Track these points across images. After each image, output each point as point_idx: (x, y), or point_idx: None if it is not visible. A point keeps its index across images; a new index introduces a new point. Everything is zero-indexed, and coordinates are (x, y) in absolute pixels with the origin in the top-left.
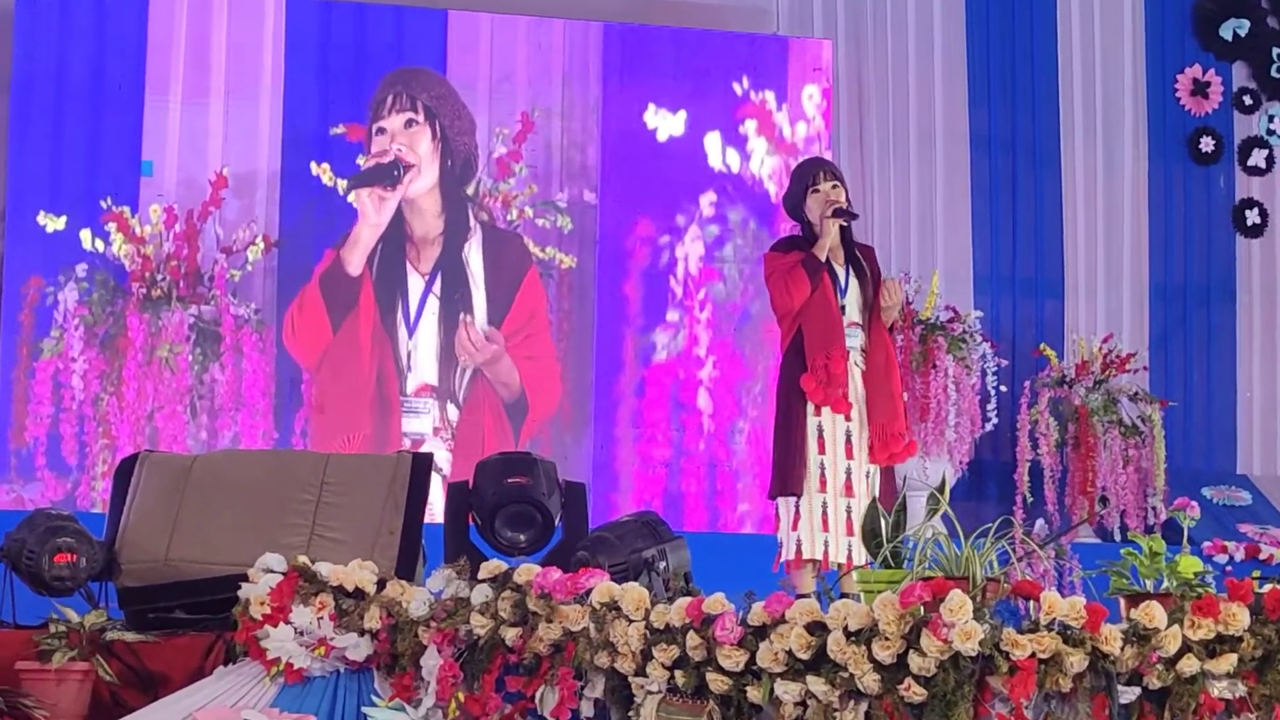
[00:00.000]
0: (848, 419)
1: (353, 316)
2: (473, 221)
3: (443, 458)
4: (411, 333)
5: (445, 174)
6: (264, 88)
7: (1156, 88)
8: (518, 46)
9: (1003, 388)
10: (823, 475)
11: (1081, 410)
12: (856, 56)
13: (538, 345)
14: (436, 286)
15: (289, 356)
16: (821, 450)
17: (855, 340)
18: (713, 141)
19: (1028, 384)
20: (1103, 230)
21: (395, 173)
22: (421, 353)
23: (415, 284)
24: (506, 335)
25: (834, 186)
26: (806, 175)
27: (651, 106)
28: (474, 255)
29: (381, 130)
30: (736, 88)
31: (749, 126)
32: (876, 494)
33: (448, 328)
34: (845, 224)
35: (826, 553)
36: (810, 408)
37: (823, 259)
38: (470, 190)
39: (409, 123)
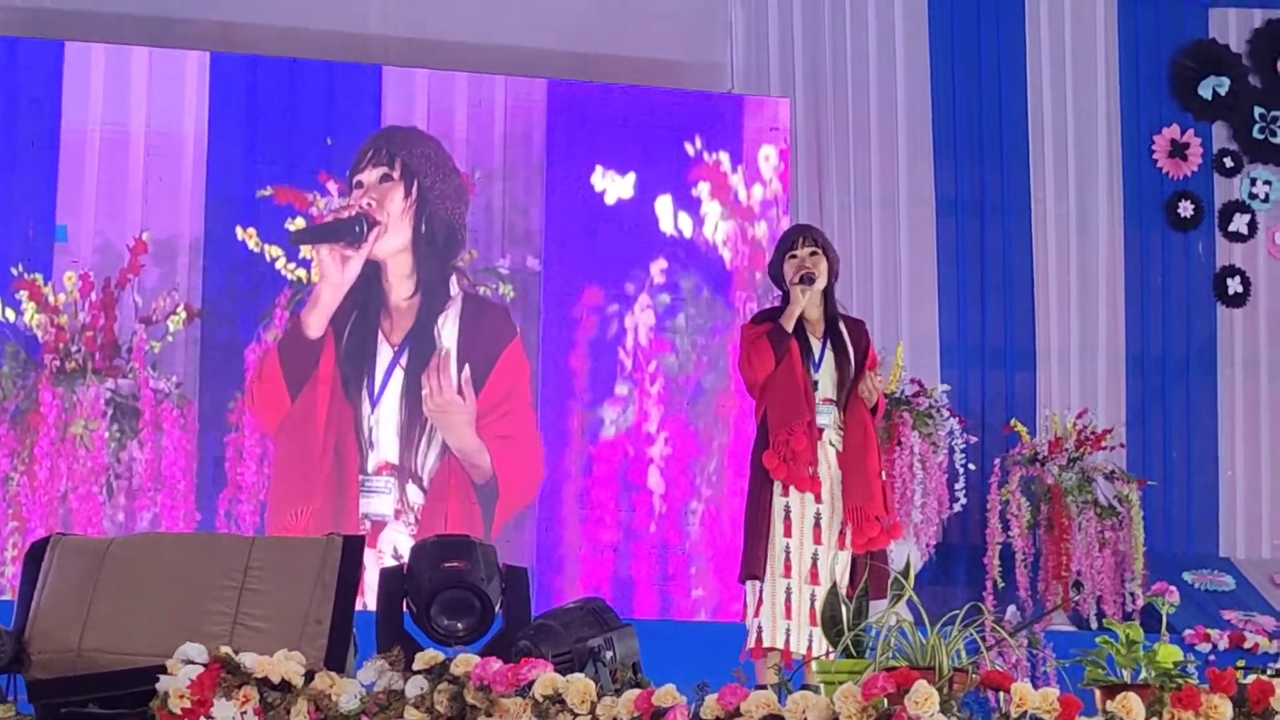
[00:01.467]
0: (818, 500)
1: (311, 384)
2: (455, 289)
3: (403, 542)
4: (374, 406)
5: (419, 236)
6: (186, 147)
7: (1132, 148)
8: (456, 104)
9: (971, 466)
10: (787, 559)
11: (1055, 490)
12: (815, 115)
13: (516, 424)
14: (404, 359)
15: (211, 433)
16: (788, 533)
17: (828, 418)
18: (664, 205)
19: (998, 462)
20: (1076, 298)
21: (357, 229)
22: (384, 428)
23: (384, 354)
24: (480, 413)
25: (812, 253)
26: (787, 241)
27: (599, 168)
28: (448, 326)
29: (358, 184)
30: (689, 148)
31: (702, 189)
32: (835, 581)
33: (412, 403)
34: (826, 292)
35: (788, 642)
36: (778, 487)
37: (789, 328)
38: (456, 260)
39: (384, 177)
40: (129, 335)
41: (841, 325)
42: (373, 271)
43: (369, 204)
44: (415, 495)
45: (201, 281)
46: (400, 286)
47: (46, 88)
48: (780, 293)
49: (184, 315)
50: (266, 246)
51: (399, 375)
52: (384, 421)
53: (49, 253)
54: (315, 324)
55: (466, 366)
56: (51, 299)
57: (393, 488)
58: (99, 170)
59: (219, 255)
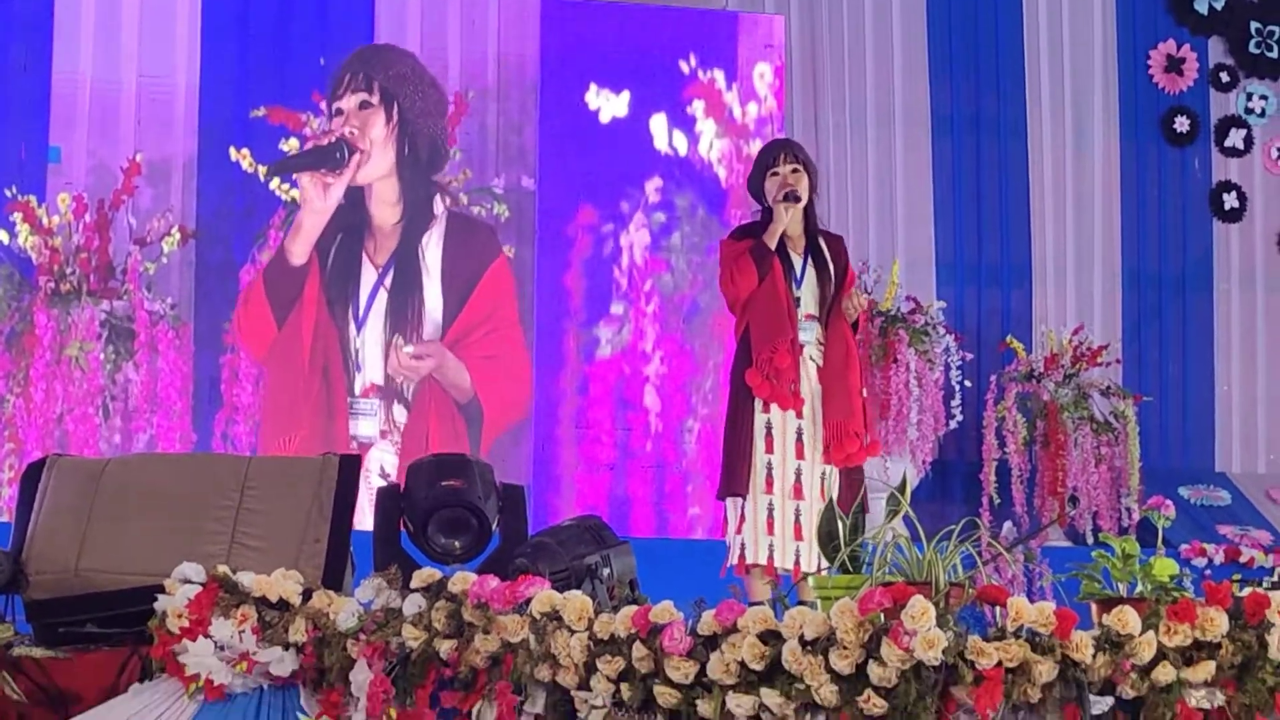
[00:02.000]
0: (799, 416)
1: (297, 310)
2: (439, 209)
3: (390, 462)
4: (360, 328)
5: (403, 158)
6: (179, 69)
7: (1128, 65)
8: (449, 24)
9: (967, 383)
10: (769, 475)
11: (1051, 406)
12: (811, 33)
13: (499, 343)
14: (388, 280)
15: (207, 354)
16: (770, 449)
17: (810, 334)
18: (659, 123)
19: (994, 379)
20: (1072, 215)
21: (338, 155)
22: (369, 351)
23: (368, 276)
24: (460, 333)
25: (794, 170)
26: (768, 157)
27: (593, 86)
28: (432, 246)
29: (339, 111)
30: (683, 66)
31: (697, 107)
32: (834, 496)
33: (396, 324)
34: (806, 208)
35: (771, 558)
36: (759, 404)
37: (772, 246)
38: (438, 176)
39: (363, 104)
40: (123, 257)
41: (821, 241)
42: (357, 196)
43: (350, 132)
44: (401, 415)
45: (196, 203)
46: (386, 211)
47: (38, 9)
48: (760, 208)
49: (178, 236)
50: (260, 167)
51: (383, 296)
52: (369, 343)
53: (42, 174)
54: (299, 251)
55: (441, 299)
56: (45, 221)
57: (378, 409)
58: (91, 91)
59: (213, 176)
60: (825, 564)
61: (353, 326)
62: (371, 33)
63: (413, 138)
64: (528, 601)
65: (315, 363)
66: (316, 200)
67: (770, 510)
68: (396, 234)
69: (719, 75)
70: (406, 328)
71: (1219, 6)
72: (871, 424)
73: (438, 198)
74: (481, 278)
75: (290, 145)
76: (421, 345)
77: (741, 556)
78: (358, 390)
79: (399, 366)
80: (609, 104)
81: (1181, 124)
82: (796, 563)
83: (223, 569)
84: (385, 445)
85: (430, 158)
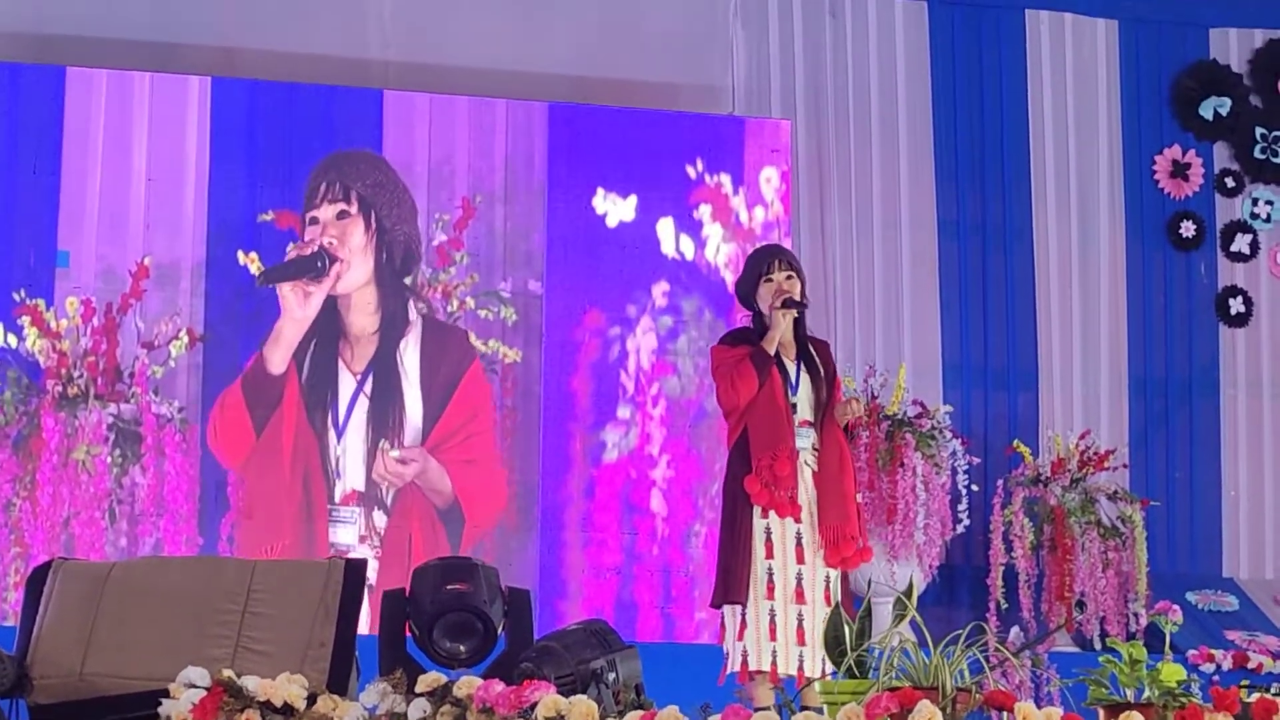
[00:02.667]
0: (797, 521)
1: (276, 418)
2: (412, 314)
3: (371, 566)
4: (340, 436)
5: (381, 267)
6: (188, 172)
7: (1134, 169)
8: (458, 128)
9: (974, 487)
10: (770, 581)
11: (1058, 511)
12: (817, 137)
13: (478, 447)
14: (368, 386)
15: (213, 457)
16: (769, 555)
17: (806, 440)
18: (665, 228)
19: (1001, 483)
20: (1078, 319)
21: (319, 264)
22: (350, 458)
23: (346, 384)
24: (441, 438)
25: (788, 277)
26: (760, 263)
27: (600, 191)
28: (410, 351)
29: (314, 220)
30: (690, 170)
31: (704, 211)
32: (838, 599)
33: (377, 431)
34: (797, 316)
35: (775, 664)
36: (757, 510)
37: (771, 353)
38: (409, 281)
39: (341, 214)
40: (131, 360)
41: (810, 346)
42: (330, 304)
43: (330, 241)
44: (380, 520)
45: (204, 306)
46: (365, 320)
47: (48, 113)
48: (750, 313)
49: (186, 340)
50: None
51: (363, 403)
52: (350, 450)
53: (51, 278)
54: (278, 360)
55: (421, 404)
56: (53, 324)
57: (358, 516)
58: (100, 195)
59: (221, 280)
60: (830, 669)
61: (333, 434)
62: (380, 135)
63: (389, 245)
64: (533, 706)
65: (296, 470)
66: (296, 309)
67: (772, 616)
68: (374, 341)
69: (725, 179)
70: (389, 434)
71: (1224, 112)
72: (864, 529)
73: (411, 304)
74: (460, 382)
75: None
76: (406, 450)
77: (744, 663)
78: (338, 497)
79: (385, 472)
80: (616, 208)
81: (1187, 229)
82: (800, 668)
83: (227, 673)
84: (364, 550)
85: (403, 263)
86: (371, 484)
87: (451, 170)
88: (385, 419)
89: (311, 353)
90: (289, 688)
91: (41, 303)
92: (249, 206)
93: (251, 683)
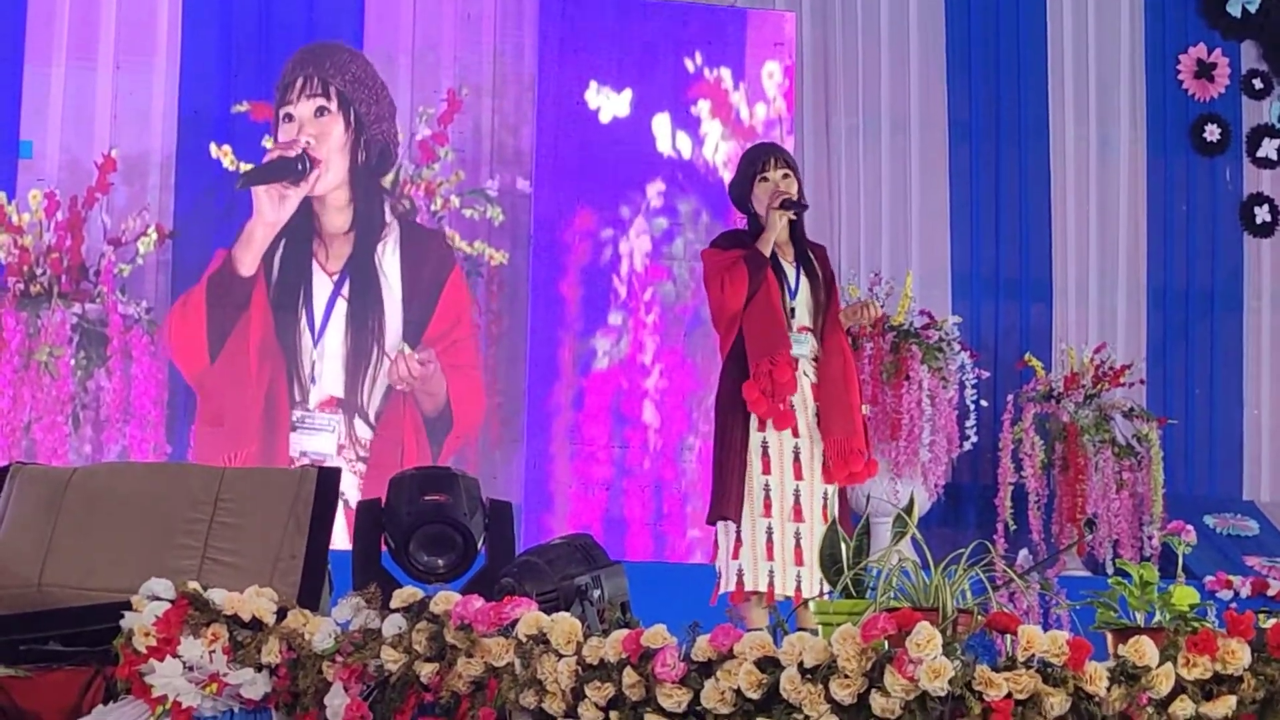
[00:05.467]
0: (795, 434)
1: (243, 322)
2: (389, 216)
3: (349, 480)
4: (317, 340)
5: (357, 166)
6: (159, 60)
7: (1156, 69)
8: (443, 16)
9: (983, 402)
10: (767, 497)
11: (1070, 428)
12: (823, 31)
13: (462, 353)
14: (345, 289)
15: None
16: (766, 470)
17: (805, 348)
18: (661, 124)
19: (1011, 398)
20: (1095, 227)
21: (300, 167)
22: (328, 362)
23: (322, 286)
24: (428, 343)
25: (785, 176)
26: (755, 162)
27: (593, 84)
28: (389, 254)
29: (289, 117)
30: (689, 64)
31: (702, 108)
32: (836, 516)
33: (356, 335)
34: (795, 217)
35: (771, 584)
36: (754, 423)
37: (767, 255)
38: (387, 182)
39: (320, 110)
40: (97, 257)
41: (808, 249)
42: (306, 204)
43: (308, 141)
44: (363, 430)
45: (174, 201)
46: (337, 218)
47: None
48: (745, 215)
49: (155, 237)
50: (242, 165)
51: (341, 306)
52: (328, 355)
53: (13, 170)
54: (248, 262)
55: (402, 309)
56: (15, 219)
57: (337, 424)
58: (65, 83)
59: (192, 174)
60: (827, 588)
61: (308, 337)
62: (361, 24)
63: (367, 145)
64: (513, 623)
65: (262, 376)
66: (270, 212)
67: (769, 534)
68: (349, 241)
69: (725, 74)
70: (369, 338)
71: (1253, 9)
72: (870, 441)
73: (387, 204)
74: (444, 287)
75: (273, 143)
76: (424, 352)
77: (740, 583)
78: (314, 403)
79: (406, 374)
80: (610, 102)
81: (1212, 132)
82: (798, 588)
83: (193, 585)
84: (342, 462)
85: (380, 163)
86: (351, 390)
87: (436, 60)
88: (365, 322)
89: (281, 253)
90: (258, 601)
91: (3, 196)
92: (223, 97)
93: (218, 596)
